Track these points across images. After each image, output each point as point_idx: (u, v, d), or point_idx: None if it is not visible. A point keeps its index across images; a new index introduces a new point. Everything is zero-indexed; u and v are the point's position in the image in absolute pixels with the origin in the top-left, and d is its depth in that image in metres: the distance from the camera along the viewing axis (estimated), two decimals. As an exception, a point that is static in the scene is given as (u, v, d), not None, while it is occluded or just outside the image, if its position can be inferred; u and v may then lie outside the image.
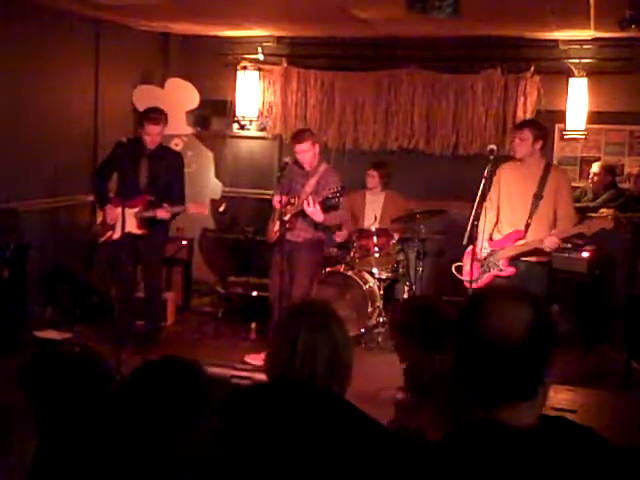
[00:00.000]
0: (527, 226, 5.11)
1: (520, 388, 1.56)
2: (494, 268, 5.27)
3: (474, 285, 5.45)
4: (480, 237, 5.30)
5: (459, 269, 5.57)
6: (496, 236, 5.37)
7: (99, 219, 6.00)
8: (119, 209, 5.55)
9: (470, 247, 5.49)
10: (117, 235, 5.71)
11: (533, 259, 5.16)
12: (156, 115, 5.77)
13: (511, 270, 5.16)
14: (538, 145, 5.17)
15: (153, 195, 5.77)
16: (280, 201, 5.60)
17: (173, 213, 5.88)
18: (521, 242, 5.16)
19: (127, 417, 1.68)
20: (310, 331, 2.17)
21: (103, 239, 5.91)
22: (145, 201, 5.78)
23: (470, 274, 5.24)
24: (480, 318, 1.57)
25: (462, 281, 5.42)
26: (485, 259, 5.32)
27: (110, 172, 5.95)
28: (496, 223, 5.38)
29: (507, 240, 5.24)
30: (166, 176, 5.88)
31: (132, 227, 5.71)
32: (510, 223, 5.25)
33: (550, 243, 5.01)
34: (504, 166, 5.45)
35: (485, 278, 5.34)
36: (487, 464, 1.49)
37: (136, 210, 5.77)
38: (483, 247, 5.29)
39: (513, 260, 5.18)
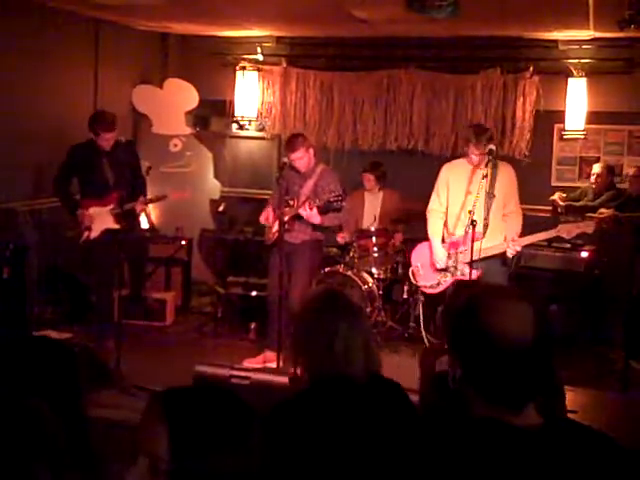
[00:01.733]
0: (485, 226, 4.94)
1: (529, 389, 1.56)
2: (455, 272, 5.19)
3: (436, 290, 5.42)
4: (434, 243, 5.32)
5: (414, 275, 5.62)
6: (448, 238, 5.32)
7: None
8: (91, 209, 5.96)
9: (417, 246, 5.55)
10: (95, 234, 5.99)
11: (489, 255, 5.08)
12: (110, 120, 5.95)
13: (475, 274, 4.98)
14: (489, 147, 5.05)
15: (123, 190, 5.97)
16: (275, 210, 5.65)
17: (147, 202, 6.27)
18: (489, 245, 4.99)
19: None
20: (347, 329, 2.22)
21: (82, 240, 6.02)
22: (116, 198, 5.96)
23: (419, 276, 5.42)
24: (487, 320, 1.56)
25: None
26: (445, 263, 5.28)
27: (70, 177, 6.13)
28: (445, 224, 5.35)
29: (464, 242, 5.09)
30: (129, 168, 6.15)
31: (109, 223, 6.00)
32: (464, 223, 5.03)
33: (514, 251, 5.02)
34: (448, 166, 5.42)
35: (448, 282, 5.29)
36: (495, 465, 1.49)
37: (110, 207, 6.00)
38: (440, 256, 5.27)
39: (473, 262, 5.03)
